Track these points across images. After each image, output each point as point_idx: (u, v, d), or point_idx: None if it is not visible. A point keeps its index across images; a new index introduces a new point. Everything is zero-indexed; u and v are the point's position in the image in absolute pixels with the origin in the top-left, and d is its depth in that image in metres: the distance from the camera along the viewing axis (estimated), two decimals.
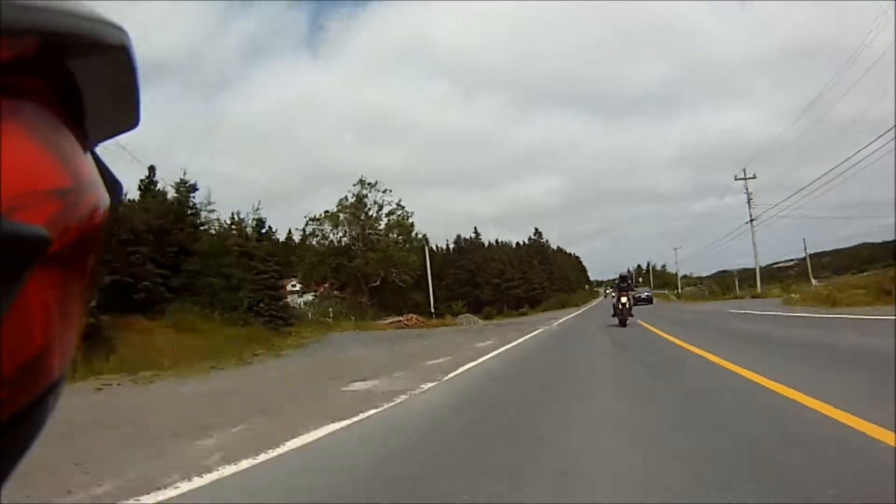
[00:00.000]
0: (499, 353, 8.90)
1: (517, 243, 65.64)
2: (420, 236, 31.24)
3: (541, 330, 15.61)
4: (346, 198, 29.74)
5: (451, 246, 49.65)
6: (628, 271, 17.12)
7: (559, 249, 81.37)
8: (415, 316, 24.35)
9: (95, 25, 0.28)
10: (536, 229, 72.50)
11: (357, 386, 5.80)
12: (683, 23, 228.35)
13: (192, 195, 16.99)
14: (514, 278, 50.09)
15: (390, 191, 30.58)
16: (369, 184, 29.25)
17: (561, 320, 22.17)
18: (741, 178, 40.63)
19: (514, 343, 11.00)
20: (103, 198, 0.29)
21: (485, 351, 9.29)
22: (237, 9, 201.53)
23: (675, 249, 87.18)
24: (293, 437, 3.42)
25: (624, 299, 13.95)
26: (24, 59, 0.25)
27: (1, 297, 0.23)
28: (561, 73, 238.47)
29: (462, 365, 7.18)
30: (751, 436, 2.76)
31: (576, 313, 32.05)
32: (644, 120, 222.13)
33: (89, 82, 0.29)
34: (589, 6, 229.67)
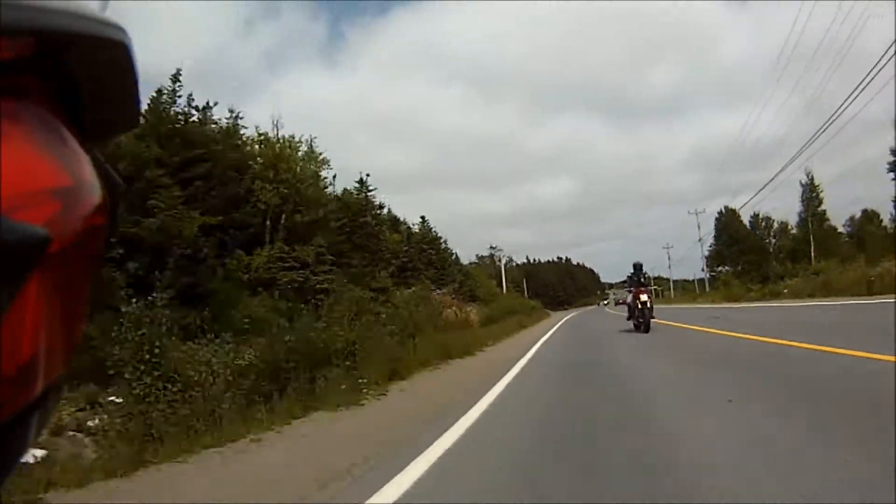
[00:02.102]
0: (576, 314, 42.61)
1: (548, 260, 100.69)
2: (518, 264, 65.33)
3: (582, 311, 49.66)
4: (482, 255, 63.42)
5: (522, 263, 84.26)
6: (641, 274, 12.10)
7: (579, 265, 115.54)
8: None
9: (95, 25, 0.28)
10: (568, 258, 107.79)
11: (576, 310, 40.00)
12: (697, 28, 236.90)
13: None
14: (558, 290, 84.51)
15: (502, 249, 64.31)
16: (494, 248, 63.31)
17: (588, 309, 56.28)
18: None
19: (580, 312, 45.16)
20: (104, 198, 0.29)
21: (571, 312, 43.25)
22: (259, 20, 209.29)
23: (644, 268, 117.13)
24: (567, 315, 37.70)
25: (644, 297, 10.76)
26: (24, 59, 0.26)
27: (1, 296, 0.23)
28: (578, 77, 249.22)
29: (570, 313, 41.05)
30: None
31: (594, 307, 66.06)
32: (658, 123, 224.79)
33: (89, 82, 0.30)
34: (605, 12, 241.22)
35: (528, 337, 14.54)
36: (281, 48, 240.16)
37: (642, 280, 11.56)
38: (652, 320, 10.81)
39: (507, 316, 22.32)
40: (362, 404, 5.26)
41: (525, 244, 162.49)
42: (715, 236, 40.63)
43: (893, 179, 29.04)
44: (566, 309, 71.56)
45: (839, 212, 47.04)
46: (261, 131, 16.23)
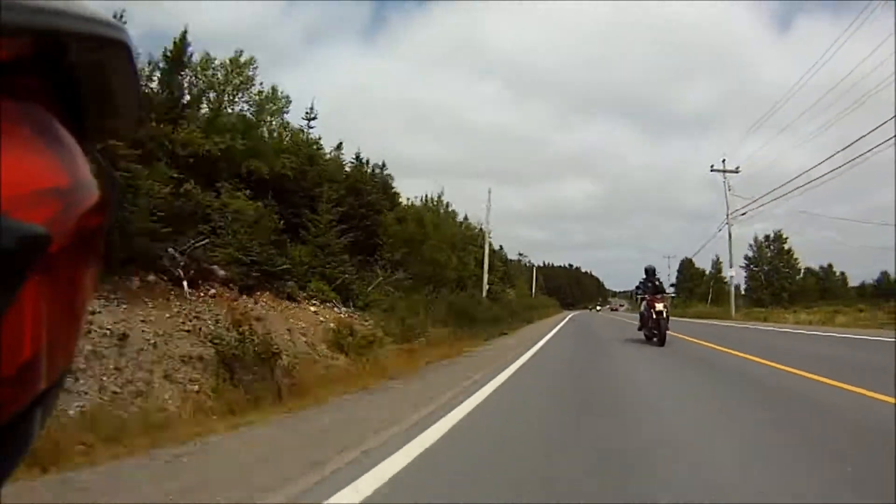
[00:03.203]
0: (578, 313, 63.18)
1: (560, 265, 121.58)
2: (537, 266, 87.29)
3: (581, 311, 70.23)
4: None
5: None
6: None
7: (587, 273, 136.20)
8: None
9: (95, 25, 0.28)
10: (578, 266, 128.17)
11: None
12: (736, 51, 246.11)
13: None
14: (567, 293, 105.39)
15: (528, 256, 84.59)
16: (522, 255, 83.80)
17: (585, 312, 76.86)
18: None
19: (580, 312, 66.02)
20: (103, 197, 0.30)
21: (575, 311, 63.91)
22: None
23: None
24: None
25: (659, 306, 9.68)
26: (24, 59, 0.26)
27: (1, 296, 0.23)
28: (613, 85, 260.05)
29: (575, 311, 61.77)
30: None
31: (588, 311, 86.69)
32: (687, 138, 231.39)
33: (89, 82, 0.30)
34: (642, 25, 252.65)
35: (564, 314, 35.39)
36: (321, 26, 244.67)
37: (656, 285, 10.41)
38: (667, 332, 9.68)
39: (546, 307, 43.05)
40: (516, 329, 25.58)
41: (539, 242, 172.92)
42: (677, 276, 62.09)
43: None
44: (571, 308, 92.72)
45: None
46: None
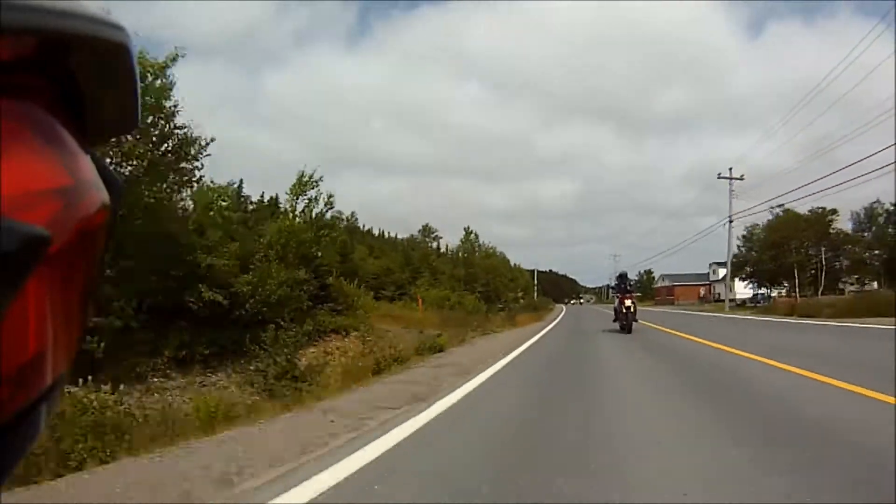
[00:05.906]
0: (567, 305, 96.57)
1: (542, 271, 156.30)
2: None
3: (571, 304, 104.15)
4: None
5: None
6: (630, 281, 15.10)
7: (564, 275, 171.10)
8: None
9: (95, 25, 0.29)
10: (557, 270, 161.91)
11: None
12: (710, 56, 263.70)
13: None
14: (550, 292, 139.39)
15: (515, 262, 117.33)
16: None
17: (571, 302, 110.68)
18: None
19: (570, 304, 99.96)
20: (104, 198, 0.30)
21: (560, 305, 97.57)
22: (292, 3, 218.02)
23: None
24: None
25: (628, 302, 13.02)
26: (25, 59, 0.26)
27: (1, 296, 0.23)
28: (593, 90, 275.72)
29: (561, 304, 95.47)
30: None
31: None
32: (663, 139, 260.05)
33: (89, 82, 0.31)
34: (620, 31, 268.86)
35: (560, 305, 68.54)
36: (309, 29, 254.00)
37: (627, 287, 13.64)
38: (634, 323, 12.97)
39: (549, 302, 76.33)
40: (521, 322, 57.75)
41: (517, 239, 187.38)
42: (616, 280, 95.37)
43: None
44: (556, 302, 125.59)
45: None
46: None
